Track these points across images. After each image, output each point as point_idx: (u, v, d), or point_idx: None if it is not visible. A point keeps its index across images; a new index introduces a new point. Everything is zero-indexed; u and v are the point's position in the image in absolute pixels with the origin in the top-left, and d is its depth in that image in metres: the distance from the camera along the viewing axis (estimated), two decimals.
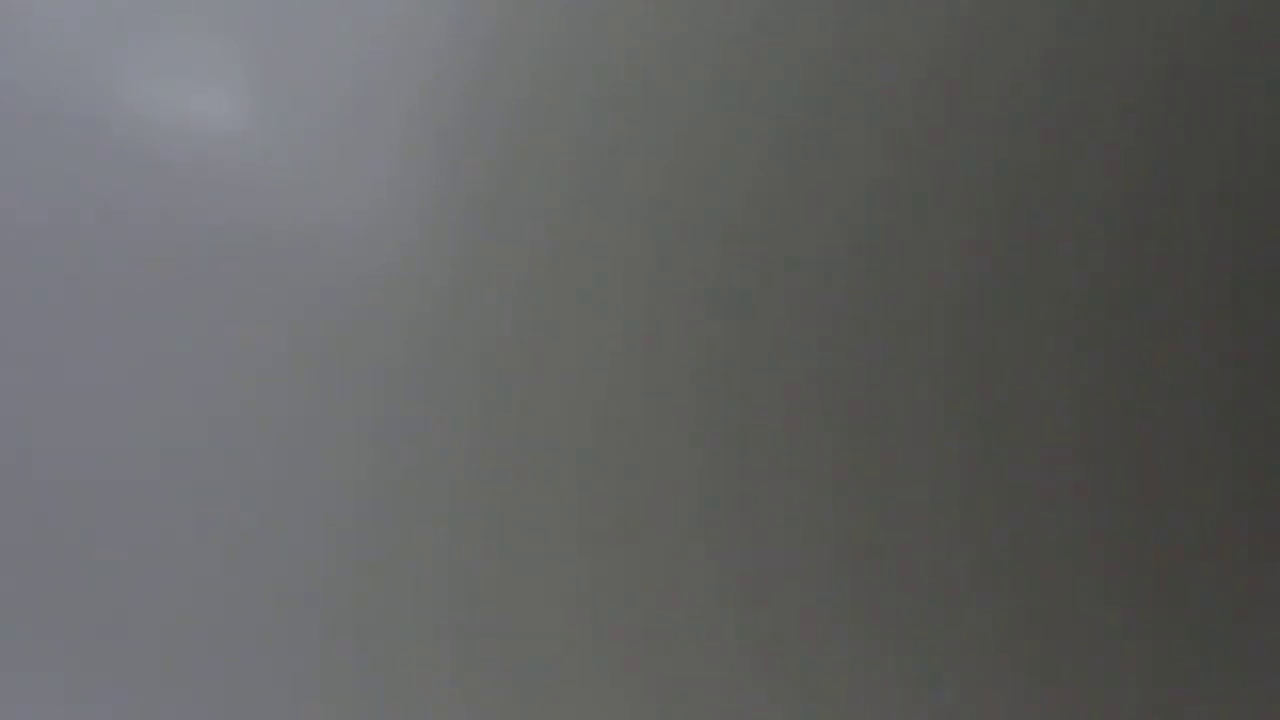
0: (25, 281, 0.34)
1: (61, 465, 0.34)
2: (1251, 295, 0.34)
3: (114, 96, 0.33)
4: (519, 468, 0.33)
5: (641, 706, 0.33)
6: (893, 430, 0.33)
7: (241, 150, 0.32)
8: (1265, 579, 0.35)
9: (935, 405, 0.33)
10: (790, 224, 0.32)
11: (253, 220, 0.32)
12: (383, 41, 0.32)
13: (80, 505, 0.34)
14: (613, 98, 0.32)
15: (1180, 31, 0.33)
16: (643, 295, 0.32)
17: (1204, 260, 0.34)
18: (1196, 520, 0.34)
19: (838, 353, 0.33)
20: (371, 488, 0.33)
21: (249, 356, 0.33)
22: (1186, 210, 0.34)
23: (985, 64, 0.33)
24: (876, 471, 0.33)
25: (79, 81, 0.33)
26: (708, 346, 0.32)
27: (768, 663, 0.33)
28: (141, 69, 0.33)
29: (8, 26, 0.34)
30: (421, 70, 0.32)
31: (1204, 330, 0.34)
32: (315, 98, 0.32)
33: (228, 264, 0.33)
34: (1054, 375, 0.33)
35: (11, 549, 0.34)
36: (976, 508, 0.33)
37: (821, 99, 0.32)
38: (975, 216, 0.33)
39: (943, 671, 0.34)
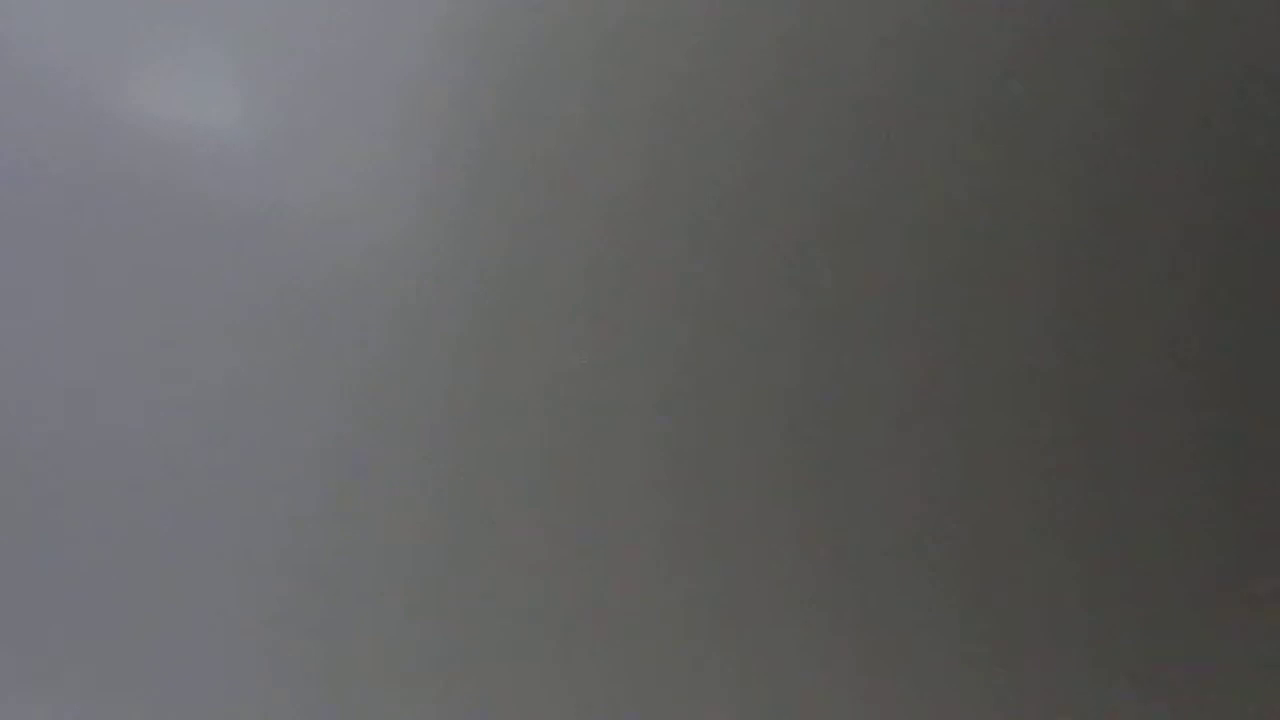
0: (20, 271, 0.34)
1: (54, 449, 0.34)
2: (1245, 289, 0.34)
3: (106, 82, 0.33)
4: (501, 452, 0.33)
5: (615, 706, 0.33)
6: (863, 434, 0.33)
7: (232, 137, 0.33)
8: (1261, 578, 0.35)
9: (908, 407, 0.33)
10: (782, 213, 0.33)
11: (244, 206, 0.33)
12: (375, 29, 0.32)
13: (68, 493, 0.34)
14: (601, 87, 0.32)
15: (1175, 19, 0.34)
16: (631, 281, 0.32)
17: (1192, 249, 0.34)
18: (1184, 514, 0.34)
19: (814, 349, 0.33)
20: (355, 471, 0.33)
21: (237, 341, 0.33)
22: (1173, 202, 0.34)
23: (963, 58, 0.33)
24: (846, 473, 0.33)
25: (73, 73, 0.33)
26: (700, 331, 0.33)
27: (737, 663, 0.33)
28: (134, 57, 0.33)
29: (6, 24, 0.34)
30: (413, 58, 0.32)
31: (1195, 323, 0.34)
32: (307, 85, 0.32)
33: (218, 250, 0.33)
34: (1034, 374, 0.33)
35: (6, 539, 0.34)
36: (948, 508, 0.33)
37: (807, 88, 0.33)
38: (951, 207, 0.33)
39: (917, 673, 0.34)
